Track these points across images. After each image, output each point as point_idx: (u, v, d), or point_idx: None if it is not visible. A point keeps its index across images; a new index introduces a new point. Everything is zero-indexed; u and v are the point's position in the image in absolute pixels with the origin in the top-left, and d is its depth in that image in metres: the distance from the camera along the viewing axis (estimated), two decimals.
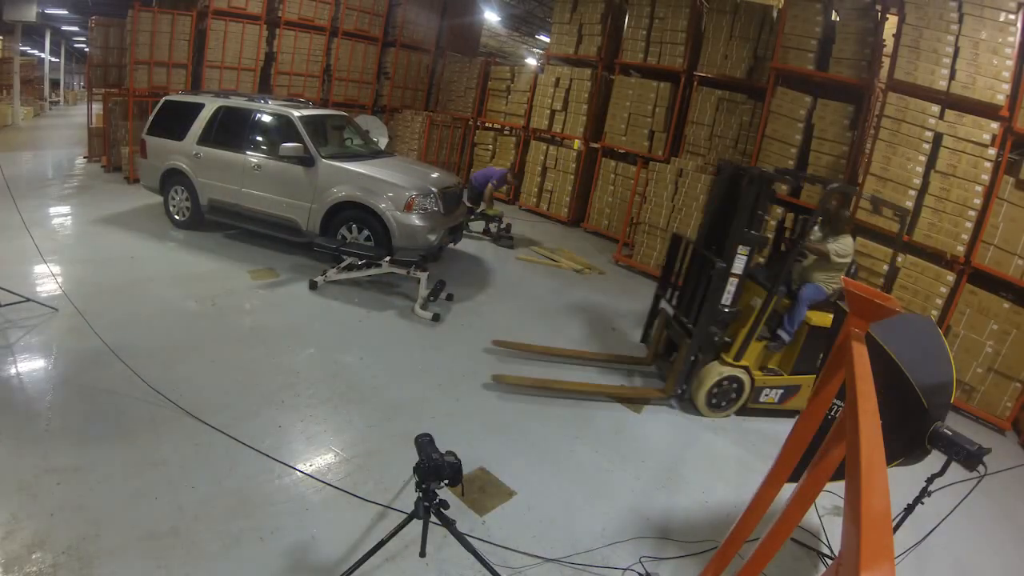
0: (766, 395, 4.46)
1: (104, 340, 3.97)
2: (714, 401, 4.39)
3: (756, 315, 4.25)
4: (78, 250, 5.81)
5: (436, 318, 5.24)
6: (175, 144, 6.55)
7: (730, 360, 4.32)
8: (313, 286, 5.54)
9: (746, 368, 4.34)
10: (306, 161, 5.92)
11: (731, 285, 4.15)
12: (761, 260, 5.06)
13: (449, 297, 5.77)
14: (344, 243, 5.78)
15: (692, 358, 4.35)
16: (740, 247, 4.06)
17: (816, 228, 4.51)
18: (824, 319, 4.26)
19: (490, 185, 8.53)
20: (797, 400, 4.49)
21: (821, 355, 4.22)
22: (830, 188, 4.22)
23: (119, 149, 9.21)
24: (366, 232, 5.85)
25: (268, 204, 6.18)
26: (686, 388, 4.45)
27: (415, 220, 5.71)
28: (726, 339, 4.33)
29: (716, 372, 4.28)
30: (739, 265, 4.11)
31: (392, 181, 5.81)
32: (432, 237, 5.81)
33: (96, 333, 4.03)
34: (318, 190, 5.92)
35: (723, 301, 4.18)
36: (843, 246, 4.34)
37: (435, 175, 6.43)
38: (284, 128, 6.18)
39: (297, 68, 10.41)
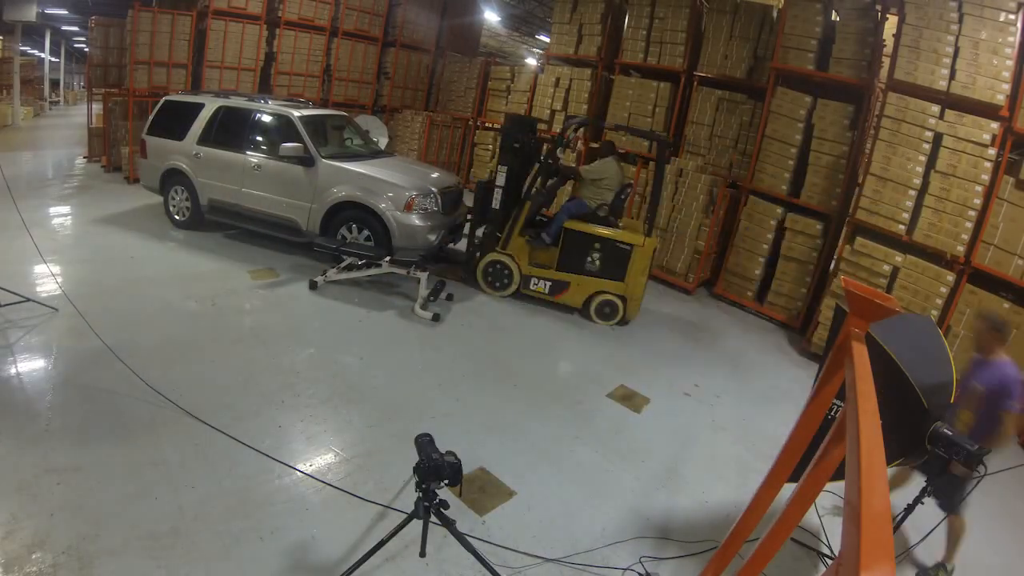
0: (535, 284, 5.84)
1: (104, 340, 3.97)
2: (491, 280, 5.95)
3: (514, 216, 5.75)
4: (78, 250, 5.81)
5: (436, 318, 5.25)
6: (175, 144, 6.55)
7: (499, 249, 5.83)
8: (313, 286, 5.54)
9: (511, 256, 5.80)
10: (306, 161, 5.93)
11: (496, 194, 5.74)
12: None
13: (449, 297, 5.78)
14: (344, 243, 5.79)
15: (469, 248, 6.05)
16: (500, 167, 5.73)
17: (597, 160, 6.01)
18: (582, 226, 5.61)
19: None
20: (569, 296, 5.79)
21: (586, 257, 5.64)
22: (569, 122, 5.90)
23: (119, 149, 9.22)
24: (366, 232, 5.85)
25: (268, 204, 6.18)
26: (467, 272, 6.10)
27: (415, 220, 5.71)
28: (498, 234, 5.82)
29: (488, 258, 5.90)
30: (500, 179, 5.73)
31: (392, 181, 5.81)
32: (432, 237, 5.81)
33: (96, 333, 4.03)
34: (318, 190, 5.92)
35: (492, 205, 5.78)
36: (593, 167, 5.81)
37: (435, 175, 6.44)
38: (284, 128, 6.18)
39: (297, 68, 10.41)
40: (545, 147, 6.24)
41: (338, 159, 6.08)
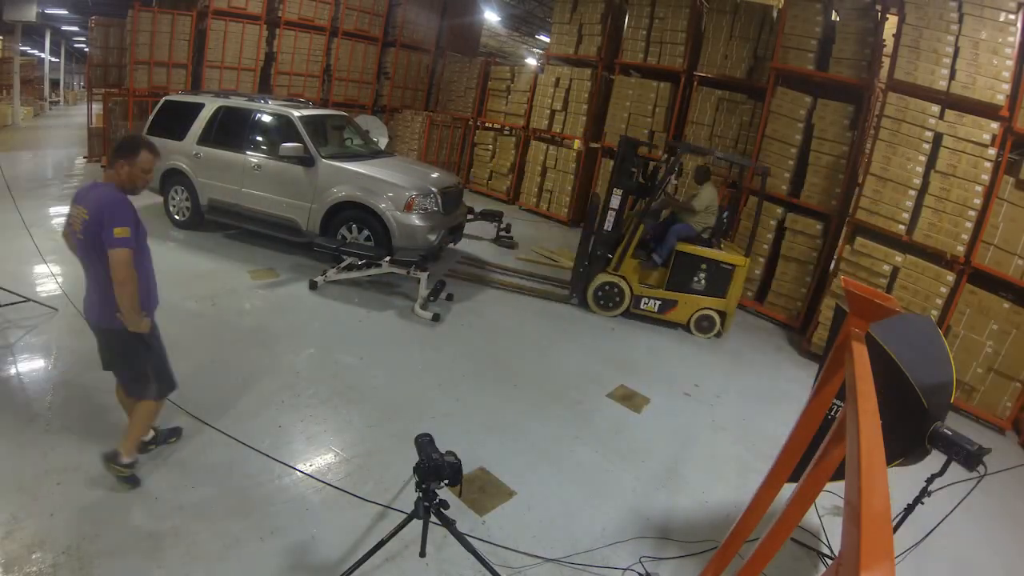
0: (646, 304, 5.99)
1: None
2: (601, 301, 6.02)
3: (627, 238, 5.83)
4: None
5: (436, 318, 5.25)
6: (175, 144, 6.55)
7: (611, 271, 5.90)
8: (313, 286, 5.54)
9: (623, 277, 5.90)
10: (306, 161, 5.93)
11: (609, 215, 5.77)
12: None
13: (449, 297, 5.78)
14: (344, 243, 5.79)
15: (580, 268, 6.03)
16: (615, 189, 5.74)
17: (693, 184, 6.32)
18: (693, 249, 5.80)
19: None
20: (676, 313, 5.99)
21: (694, 277, 5.85)
22: (674, 147, 6.06)
23: None
24: (366, 232, 5.85)
25: (268, 204, 6.18)
26: (577, 293, 6.12)
27: (415, 220, 5.71)
28: (608, 256, 5.89)
29: (599, 279, 5.95)
30: (614, 201, 5.75)
31: (392, 181, 5.81)
32: (432, 237, 5.81)
33: None
34: (318, 190, 5.92)
35: (604, 227, 5.80)
36: (700, 198, 5.95)
37: (435, 175, 6.44)
38: (284, 128, 6.18)
39: (297, 68, 10.41)
40: (649, 168, 6.43)
41: (338, 159, 6.08)
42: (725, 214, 6.18)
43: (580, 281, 6.06)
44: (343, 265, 5.68)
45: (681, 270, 5.84)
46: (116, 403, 2.99)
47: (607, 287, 5.95)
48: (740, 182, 6.68)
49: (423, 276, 5.43)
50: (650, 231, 6.08)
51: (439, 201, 5.94)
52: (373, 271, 5.63)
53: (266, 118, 6.34)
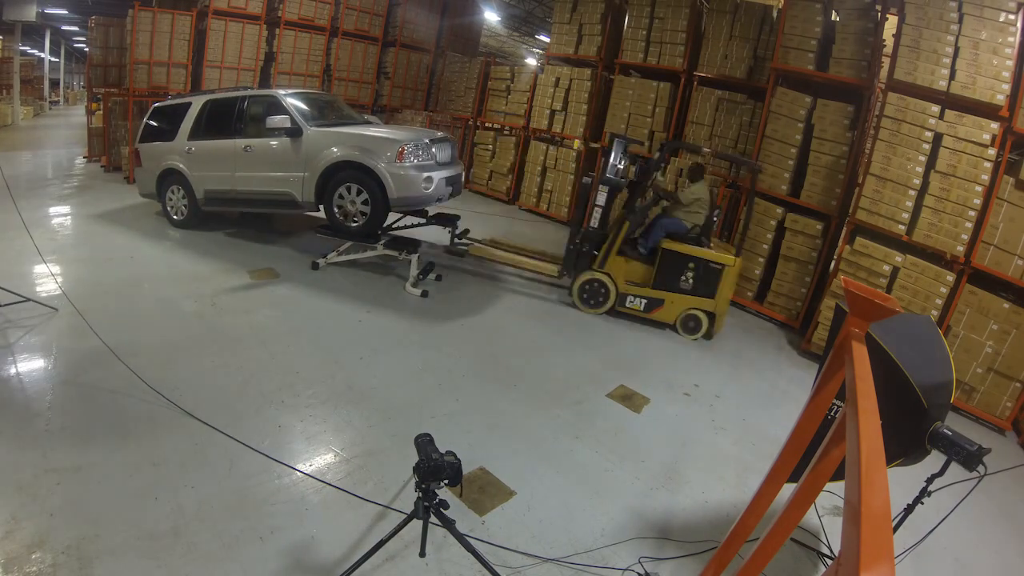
0: (631, 302, 5.94)
1: (104, 340, 3.97)
2: (586, 298, 6.03)
3: (613, 234, 5.85)
4: (78, 250, 5.81)
5: (425, 295, 5.67)
6: (167, 145, 6.59)
7: (596, 268, 5.94)
8: (315, 267, 6.01)
9: (608, 274, 5.91)
10: (293, 132, 5.87)
11: (596, 212, 5.83)
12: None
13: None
14: (344, 226, 5.85)
15: (571, 246, 6.05)
16: (601, 186, 5.78)
17: (686, 180, 6.20)
18: (680, 247, 5.74)
19: None
20: (663, 313, 5.92)
21: (681, 276, 5.77)
22: (665, 146, 5.98)
23: (119, 149, 9.22)
24: (363, 195, 5.70)
25: (262, 182, 6.15)
26: (567, 270, 6.16)
27: (409, 169, 5.60)
28: (594, 252, 5.98)
29: (584, 276, 5.99)
30: (600, 198, 5.80)
31: (381, 136, 5.76)
32: (428, 186, 5.71)
33: (96, 333, 4.04)
34: (309, 157, 5.85)
35: (590, 224, 5.88)
36: (690, 192, 5.87)
37: (425, 132, 6.39)
38: (270, 107, 6.13)
39: (297, 68, 10.41)
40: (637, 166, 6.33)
41: (325, 126, 6.06)
42: (716, 212, 6.07)
43: (571, 258, 6.06)
44: (343, 248, 6.05)
45: (668, 268, 5.77)
46: (115, 402, 2.99)
47: (592, 284, 5.94)
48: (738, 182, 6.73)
49: (413, 258, 5.92)
50: (638, 227, 6.01)
51: (431, 151, 5.87)
52: (369, 253, 6.16)
53: (252, 102, 6.32)
